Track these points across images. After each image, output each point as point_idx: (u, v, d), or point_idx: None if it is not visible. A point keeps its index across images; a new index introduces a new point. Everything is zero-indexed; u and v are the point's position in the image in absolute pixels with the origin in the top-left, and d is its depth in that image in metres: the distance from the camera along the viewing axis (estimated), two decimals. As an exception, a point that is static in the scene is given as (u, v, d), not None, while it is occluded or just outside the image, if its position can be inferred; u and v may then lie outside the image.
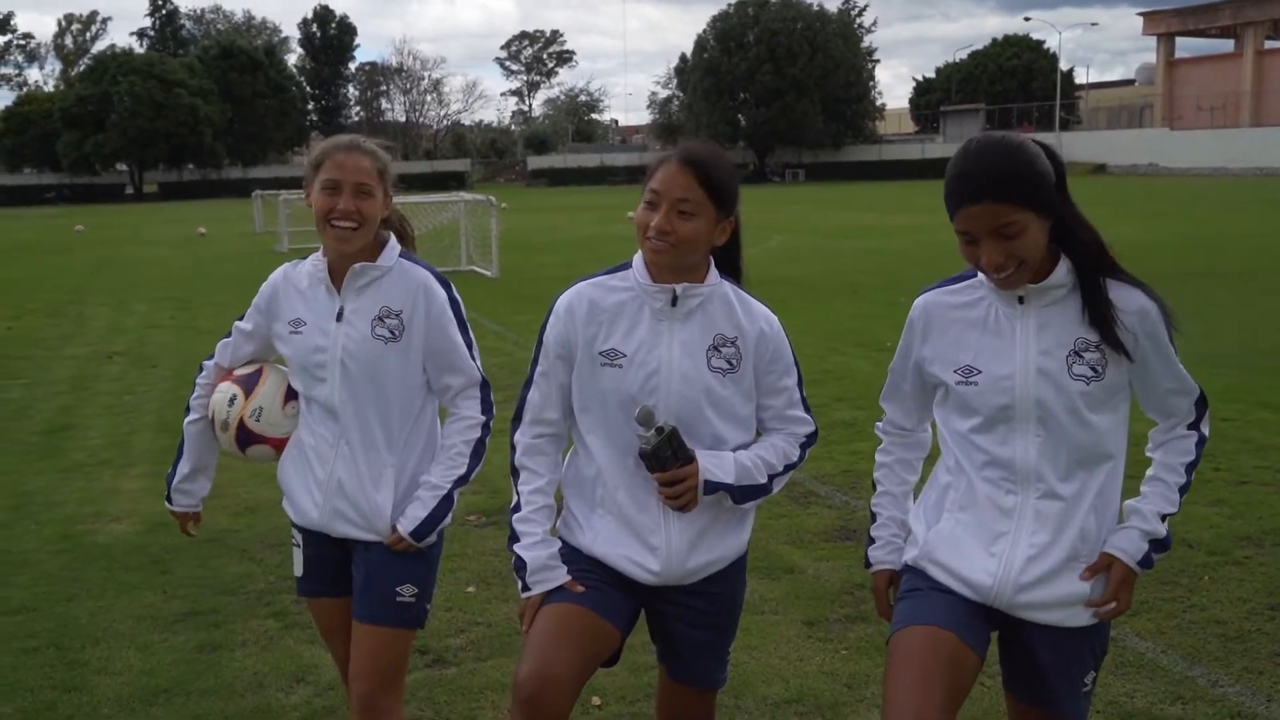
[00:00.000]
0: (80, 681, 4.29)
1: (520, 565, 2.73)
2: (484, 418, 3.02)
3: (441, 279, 3.01)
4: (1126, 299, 2.46)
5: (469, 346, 3.01)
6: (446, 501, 2.98)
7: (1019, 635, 2.58)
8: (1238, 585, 4.97)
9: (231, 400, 3.06)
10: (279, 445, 3.09)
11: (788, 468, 2.80)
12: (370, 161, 2.91)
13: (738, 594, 2.89)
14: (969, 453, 2.56)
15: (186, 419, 3.20)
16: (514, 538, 2.76)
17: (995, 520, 2.53)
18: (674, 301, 2.69)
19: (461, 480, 2.99)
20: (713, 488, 2.66)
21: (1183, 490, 2.59)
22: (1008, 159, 2.35)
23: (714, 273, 2.75)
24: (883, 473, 2.85)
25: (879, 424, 2.87)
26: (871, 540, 2.83)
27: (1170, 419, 2.62)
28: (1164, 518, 2.56)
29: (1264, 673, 4.14)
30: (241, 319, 3.16)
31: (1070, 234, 2.45)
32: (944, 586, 2.57)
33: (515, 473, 2.81)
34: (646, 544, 2.70)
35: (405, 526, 2.94)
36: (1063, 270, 2.45)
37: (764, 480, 2.74)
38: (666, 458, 2.61)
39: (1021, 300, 2.47)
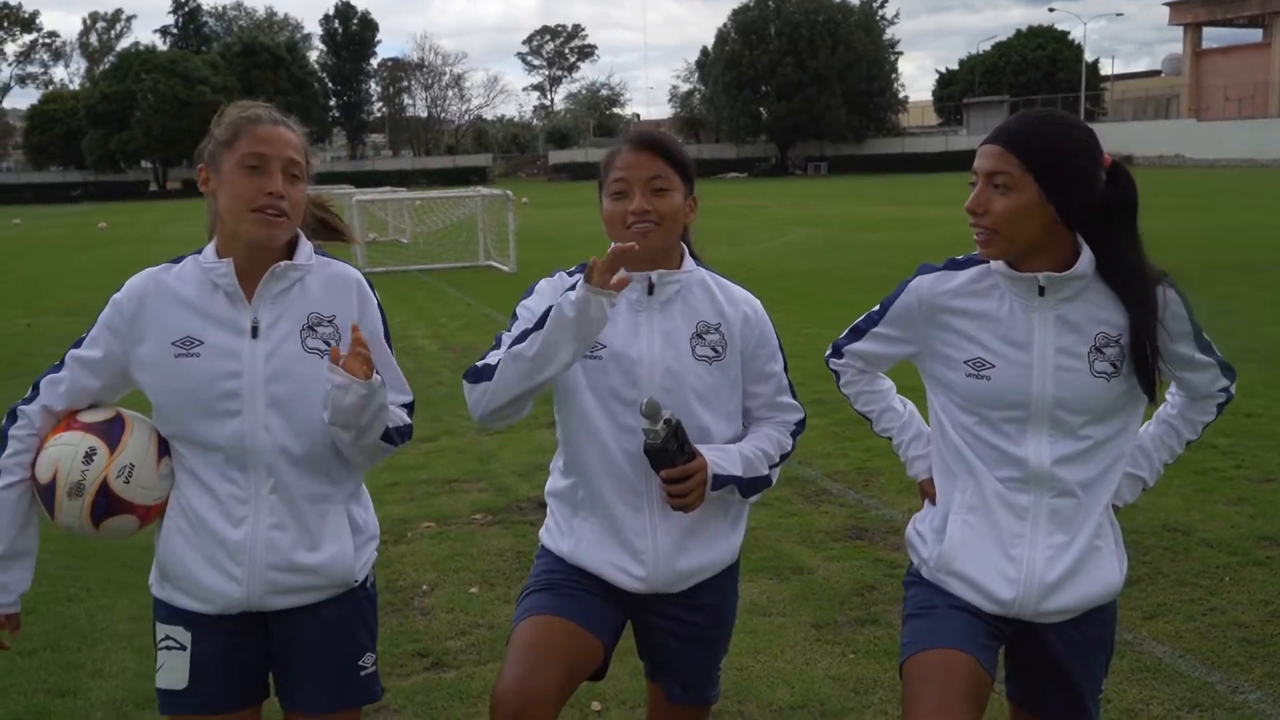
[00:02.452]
0: (74, 685, 4.23)
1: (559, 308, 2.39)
2: (409, 421, 2.59)
3: (366, 277, 2.56)
4: None
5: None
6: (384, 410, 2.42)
7: (1037, 639, 2.47)
8: (1260, 587, 4.83)
9: (89, 455, 2.35)
10: (146, 515, 2.43)
11: (783, 457, 2.70)
12: (298, 138, 2.42)
13: (729, 606, 2.77)
14: (976, 449, 2.45)
15: None
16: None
17: (1008, 520, 2.42)
18: (650, 290, 2.58)
19: (391, 433, 2.48)
20: (721, 482, 2.53)
21: (1189, 445, 2.66)
22: (1041, 121, 2.35)
23: (690, 259, 2.66)
24: (867, 396, 2.77)
25: (836, 360, 2.76)
26: (910, 460, 2.74)
27: (1197, 391, 2.57)
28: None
29: (1286, 679, 4.00)
30: (80, 345, 2.48)
31: (1117, 256, 2.37)
32: (961, 603, 2.45)
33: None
34: (631, 548, 2.58)
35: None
36: (1085, 262, 2.35)
37: (766, 471, 2.64)
38: (674, 452, 2.45)
39: (1041, 291, 2.36)
